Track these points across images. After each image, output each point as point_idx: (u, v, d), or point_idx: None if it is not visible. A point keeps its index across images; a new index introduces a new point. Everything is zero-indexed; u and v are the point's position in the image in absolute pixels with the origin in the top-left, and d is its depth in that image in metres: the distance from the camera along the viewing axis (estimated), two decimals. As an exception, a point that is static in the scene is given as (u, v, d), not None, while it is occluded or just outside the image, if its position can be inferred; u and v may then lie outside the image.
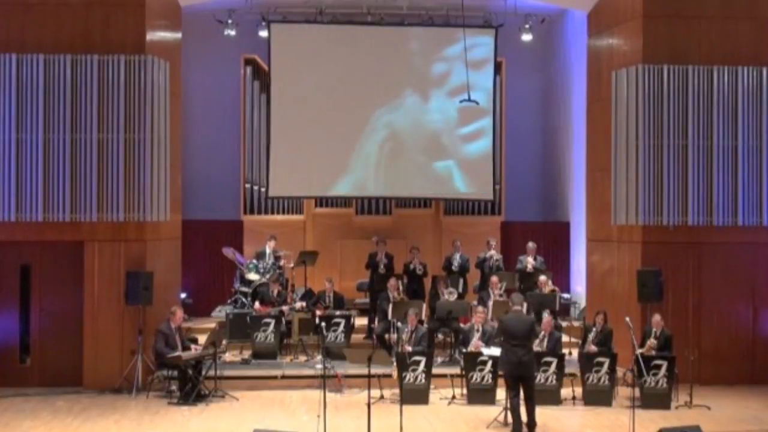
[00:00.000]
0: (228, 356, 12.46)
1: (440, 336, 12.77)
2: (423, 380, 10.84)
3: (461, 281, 13.87)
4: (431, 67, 14.88)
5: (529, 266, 13.66)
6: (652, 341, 11.03)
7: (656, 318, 11.22)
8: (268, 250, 14.10)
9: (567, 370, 11.04)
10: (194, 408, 10.60)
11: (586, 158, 13.86)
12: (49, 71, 11.57)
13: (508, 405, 9.67)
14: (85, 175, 11.60)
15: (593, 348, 11.16)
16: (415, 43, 14.91)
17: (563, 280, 15.66)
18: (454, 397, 11.02)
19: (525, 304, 11.20)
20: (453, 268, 14.02)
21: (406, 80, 14.87)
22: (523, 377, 9.51)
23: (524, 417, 9.52)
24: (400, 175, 15.01)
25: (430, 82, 14.92)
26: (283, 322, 12.75)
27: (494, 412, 10.17)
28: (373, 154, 14.93)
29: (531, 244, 13.93)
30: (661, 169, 12.14)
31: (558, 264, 15.92)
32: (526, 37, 15.76)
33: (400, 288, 13.01)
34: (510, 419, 9.66)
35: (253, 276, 13.92)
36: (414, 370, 10.79)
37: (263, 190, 15.42)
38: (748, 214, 12.18)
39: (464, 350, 11.19)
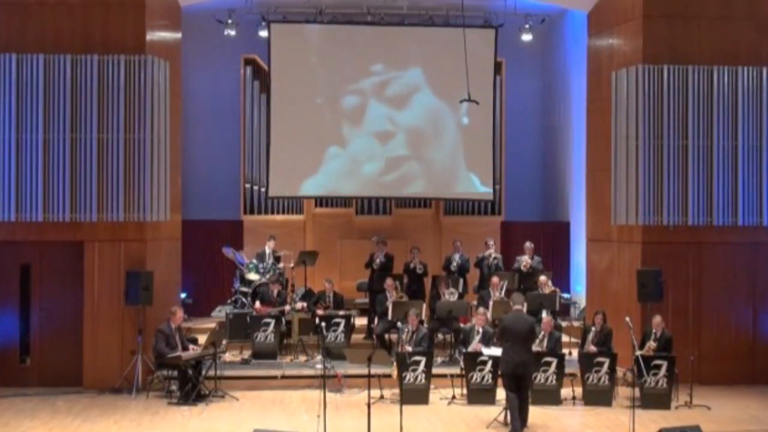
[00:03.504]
0: (228, 356, 12.46)
1: (440, 336, 12.77)
2: (423, 380, 10.84)
3: (461, 281, 13.87)
4: (431, 67, 14.88)
5: (523, 266, 13.65)
6: (651, 344, 11.02)
7: (657, 319, 11.20)
8: (267, 251, 14.09)
9: (567, 370, 11.03)
10: (194, 408, 10.60)
11: (586, 158, 13.85)
12: (49, 71, 11.57)
13: (507, 405, 9.68)
14: (85, 175, 11.60)
15: (593, 348, 11.16)
16: (415, 42, 14.91)
17: (563, 280, 15.65)
18: (454, 397, 11.02)
19: (525, 304, 11.20)
20: (452, 268, 14.00)
21: (407, 80, 14.86)
22: (521, 377, 9.53)
23: None
24: (401, 175, 15.01)
25: (431, 82, 14.91)
26: (283, 322, 12.75)
27: (494, 412, 10.18)
28: (373, 154, 14.93)
29: (528, 244, 13.91)
30: (661, 169, 12.14)
31: (558, 264, 15.91)
32: (526, 37, 15.73)
33: (398, 287, 13.00)
34: (510, 419, 9.67)
35: (253, 276, 13.91)
36: (414, 370, 10.79)
37: (263, 190, 15.41)
38: (748, 214, 12.19)
39: (464, 350, 11.18)
